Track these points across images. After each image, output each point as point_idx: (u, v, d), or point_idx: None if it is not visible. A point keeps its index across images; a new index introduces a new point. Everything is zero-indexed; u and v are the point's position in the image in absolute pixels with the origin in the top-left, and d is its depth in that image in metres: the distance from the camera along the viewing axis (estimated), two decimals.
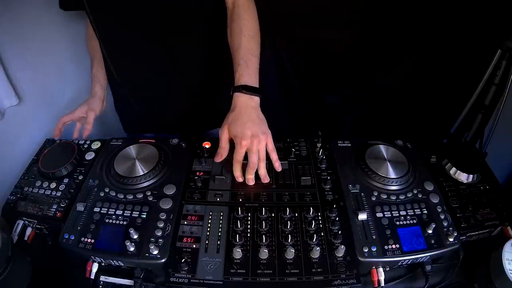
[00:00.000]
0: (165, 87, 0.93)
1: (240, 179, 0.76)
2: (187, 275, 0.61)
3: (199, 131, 1.02)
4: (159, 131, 1.03)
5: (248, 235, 0.67)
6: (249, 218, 0.69)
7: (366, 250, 0.64)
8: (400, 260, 0.65)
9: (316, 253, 0.63)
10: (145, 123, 1.03)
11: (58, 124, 0.87)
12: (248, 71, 0.75)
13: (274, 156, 0.76)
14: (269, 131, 0.75)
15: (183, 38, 0.84)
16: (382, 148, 0.80)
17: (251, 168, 0.73)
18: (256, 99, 0.75)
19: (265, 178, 0.75)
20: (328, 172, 0.79)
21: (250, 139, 0.71)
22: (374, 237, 0.66)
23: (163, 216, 0.69)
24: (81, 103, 0.90)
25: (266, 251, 0.63)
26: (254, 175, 0.74)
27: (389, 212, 0.70)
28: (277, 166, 0.76)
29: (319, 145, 0.84)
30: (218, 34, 0.84)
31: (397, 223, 0.68)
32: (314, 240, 0.65)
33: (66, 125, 0.88)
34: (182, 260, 0.62)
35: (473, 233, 0.71)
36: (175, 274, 0.61)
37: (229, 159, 0.77)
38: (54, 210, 0.72)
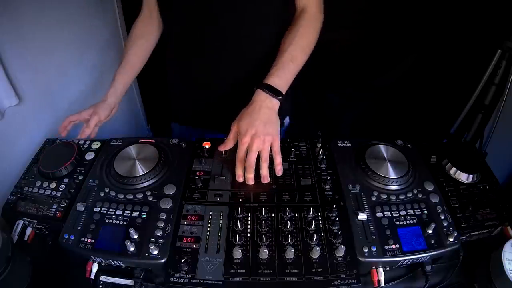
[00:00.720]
0: (221, 83, 0.93)
1: (240, 179, 0.75)
2: (187, 275, 0.61)
3: None
4: (206, 126, 1.03)
5: (248, 235, 0.67)
6: (249, 218, 0.69)
7: (366, 250, 0.64)
8: (400, 260, 0.65)
9: (316, 253, 0.63)
10: (195, 114, 1.03)
11: (65, 122, 0.87)
12: (279, 73, 0.75)
13: (277, 159, 0.75)
14: (278, 134, 0.74)
15: (253, 36, 0.85)
16: (382, 148, 0.80)
17: (249, 167, 0.73)
18: (275, 102, 0.75)
19: (265, 178, 0.75)
20: (328, 172, 0.79)
21: (251, 137, 0.71)
22: (374, 237, 0.66)
23: (163, 216, 0.69)
24: (87, 103, 0.90)
25: (266, 251, 0.63)
26: (253, 175, 0.74)
27: (389, 212, 0.70)
28: (278, 170, 0.76)
29: (319, 145, 0.84)
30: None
31: (397, 223, 0.68)
32: (314, 240, 0.65)
33: (73, 124, 0.88)
34: (182, 260, 0.62)
35: (473, 233, 0.71)
36: (175, 274, 0.61)
37: (232, 159, 0.77)
38: (54, 210, 0.72)
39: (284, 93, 0.76)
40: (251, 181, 0.75)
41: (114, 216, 0.69)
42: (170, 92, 1.04)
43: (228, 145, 0.76)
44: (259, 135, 0.71)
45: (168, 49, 0.96)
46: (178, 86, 1.01)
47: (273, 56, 0.80)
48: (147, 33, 0.95)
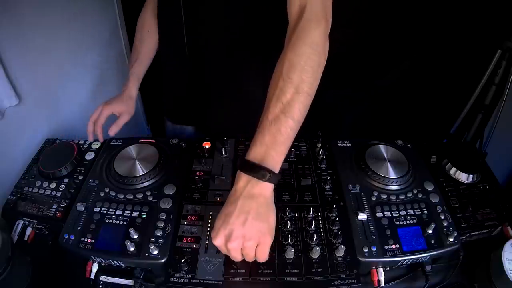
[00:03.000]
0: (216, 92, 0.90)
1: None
2: (187, 275, 0.61)
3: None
4: (198, 125, 1.01)
5: None
6: None
7: (366, 250, 0.64)
8: (400, 260, 0.65)
9: (316, 253, 0.63)
10: (188, 112, 1.00)
11: (99, 128, 0.83)
12: (267, 138, 0.53)
13: (259, 260, 0.57)
14: (268, 234, 0.55)
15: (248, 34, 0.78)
16: (382, 148, 0.80)
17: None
18: (264, 186, 0.54)
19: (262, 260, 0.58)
20: (328, 172, 0.79)
21: (225, 243, 0.54)
22: (374, 237, 0.66)
23: (163, 216, 0.69)
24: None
25: None
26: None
27: (389, 212, 0.70)
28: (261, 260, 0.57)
29: (319, 145, 0.84)
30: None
31: (397, 223, 0.68)
32: (314, 240, 0.65)
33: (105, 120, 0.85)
34: (182, 260, 0.62)
35: (473, 233, 0.71)
36: (175, 274, 0.61)
37: (232, 159, 0.76)
38: (54, 210, 0.72)
39: (278, 170, 0.55)
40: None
41: (114, 216, 0.69)
42: (164, 89, 1.03)
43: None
44: (235, 239, 0.53)
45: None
46: (171, 83, 1.00)
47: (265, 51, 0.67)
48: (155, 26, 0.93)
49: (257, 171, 0.53)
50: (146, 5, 0.96)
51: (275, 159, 0.54)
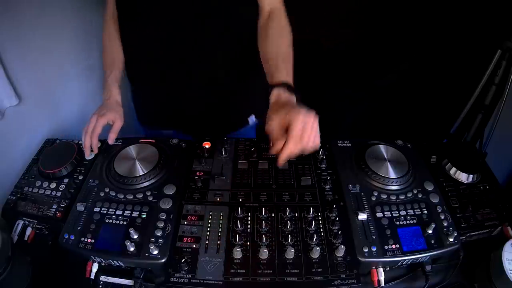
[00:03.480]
0: (185, 86, 0.91)
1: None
2: (187, 275, 0.61)
3: (215, 134, 0.94)
4: (174, 127, 1.01)
5: (248, 235, 0.67)
6: (249, 218, 0.69)
7: (366, 250, 0.64)
8: (400, 260, 0.65)
9: (316, 253, 0.63)
10: (161, 117, 1.01)
11: (94, 140, 0.81)
12: (287, 71, 0.72)
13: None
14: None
15: (211, 39, 0.83)
16: (382, 148, 0.80)
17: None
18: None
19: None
20: (328, 172, 0.79)
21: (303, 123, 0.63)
22: (374, 237, 0.66)
23: (163, 216, 0.69)
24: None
25: (266, 251, 0.63)
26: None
27: (389, 212, 0.70)
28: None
29: None
30: (247, 39, 0.83)
31: (397, 223, 0.68)
32: (314, 240, 0.65)
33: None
34: (182, 260, 0.62)
35: (473, 233, 0.71)
36: (175, 274, 0.61)
37: (231, 159, 0.76)
38: (54, 210, 0.72)
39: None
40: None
41: (114, 216, 0.69)
42: (134, 96, 1.02)
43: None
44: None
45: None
46: (141, 91, 0.99)
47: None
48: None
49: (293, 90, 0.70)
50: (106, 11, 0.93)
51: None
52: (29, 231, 0.72)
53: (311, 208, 0.70)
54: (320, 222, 0.69)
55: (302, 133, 0.62)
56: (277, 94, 0.69)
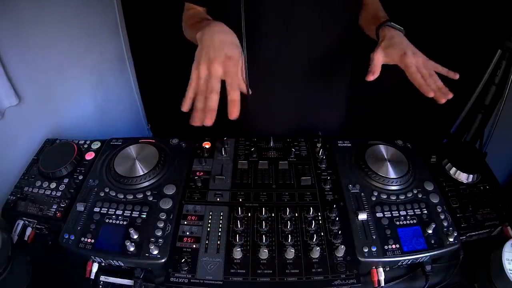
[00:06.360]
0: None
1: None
2: (187, 275, 0.61)
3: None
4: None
5: (248, 235, 0.67)
6: (249, 218, 0.69)
7: (366, 250, 0.64)
8: (400, 260, 0.65)
9: (316, 253, 0.63)
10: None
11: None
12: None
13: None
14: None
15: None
16: (382, 148, 0.80)
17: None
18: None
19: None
20: (328, 172, 0.79)
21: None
22: (374, 237, 0.66)
23: (163, 216, 0.69)
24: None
25: (266, 251, 0.63)
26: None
27: (389, 212, 0.70)
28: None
29: (319, 145, 0.84)
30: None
31: (397, 223, 0.68)
32: (314, 240, 0.65)
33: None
34: (182, 260, 0.62)
35: (473, 233, 0.71)
36: (175, 274, 0.61)
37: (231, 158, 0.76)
38: (54, 210, 0.72)
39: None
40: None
41: (114, 216, 0.69)
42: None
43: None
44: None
45: None
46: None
47: None
48: None
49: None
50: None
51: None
52: (29, 231, 0.72)
53: (311, 208, 0.70)
54: (320, 222, 0.69)
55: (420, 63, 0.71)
56: (387, 30, 0.75)
